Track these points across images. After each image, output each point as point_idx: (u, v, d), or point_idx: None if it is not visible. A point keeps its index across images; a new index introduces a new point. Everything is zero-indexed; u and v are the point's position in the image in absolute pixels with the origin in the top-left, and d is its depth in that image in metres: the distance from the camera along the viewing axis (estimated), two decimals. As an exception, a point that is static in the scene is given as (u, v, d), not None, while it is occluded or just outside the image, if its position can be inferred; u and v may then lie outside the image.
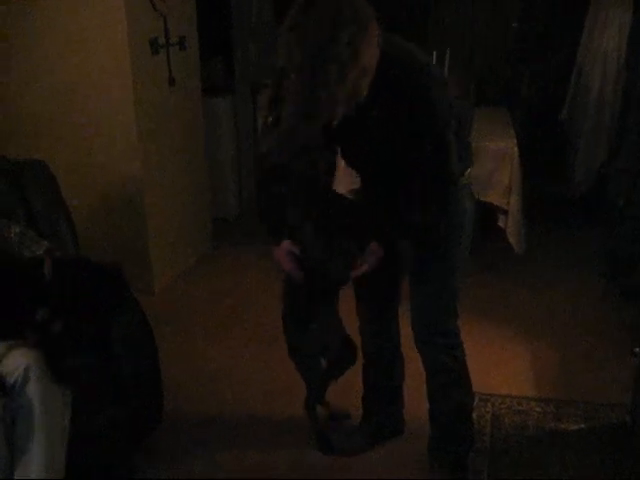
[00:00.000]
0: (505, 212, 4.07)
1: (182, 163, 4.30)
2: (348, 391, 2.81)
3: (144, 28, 3.81)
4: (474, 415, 2.83)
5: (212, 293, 4.11)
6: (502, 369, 3.26)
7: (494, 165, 4.02)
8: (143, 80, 3.80)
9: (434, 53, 4.17)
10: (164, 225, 4.11)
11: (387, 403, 2.74)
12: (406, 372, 2.73)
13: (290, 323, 2.53)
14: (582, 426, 2.82)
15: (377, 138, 2.11)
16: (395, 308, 2.59)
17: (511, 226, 4.07)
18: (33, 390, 2.07)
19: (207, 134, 4.72)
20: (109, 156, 3.82)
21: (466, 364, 2.47)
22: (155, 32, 3.91)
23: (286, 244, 2.26)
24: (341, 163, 4.19)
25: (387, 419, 2.76)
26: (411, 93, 2.00)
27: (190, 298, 4.06)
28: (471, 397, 2.57)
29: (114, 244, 3.85)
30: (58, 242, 2.75)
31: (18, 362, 2.09)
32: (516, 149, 4.03)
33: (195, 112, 4.47)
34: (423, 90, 2.00)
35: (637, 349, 2.62)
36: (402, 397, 2.75)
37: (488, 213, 4.16)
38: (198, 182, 4.54)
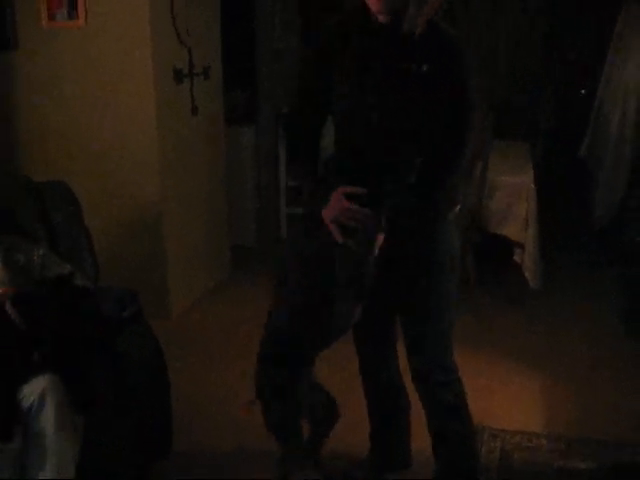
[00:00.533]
0: (522, 246, 4.09)
1: (202, 190, 4.37)
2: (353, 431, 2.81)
3: (168, 58, 3.90)
4: (483, 450, 2.84)
5: (229, 320, 4.14)
6: (514, 404, 3.25)
7: (511, 199, 4.05)
8: (166, 109, 3.88)
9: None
10: (182, 251, 4.16)
11: (395, 436, 2.73)
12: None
13: (271, 382, 2.40)
14: (592, 465, 2.80)
15: (415, 95, 2.10)
16: (393, 342, 2.58)
17: (527, 261, 4.08)
18: (48, 415, 2.06)
19: (229, 162, 4.80)
20: (130, 182, 3.90)
21: (465, 398, 2.43)
22: (179, 62, 4.00)
23: (342, 188, 2.14)
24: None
25: (395, 452, 2.75)
26: (458, 63, 2.09)
27: (206, 324, 4.09)
28: (473, 431, 2.52)
29: (132, 269, 3.91)
30: (79, 264, 2.79)
31: (34, 386, 2.09)
32: (533, 184, 4.05)
33: (217, 140, 4.54)
34: (466, 64, 2.10)
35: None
36: (409, 429, 2.74)
37: (504, 247, 4.18)
38: (217, 209, 4.60)
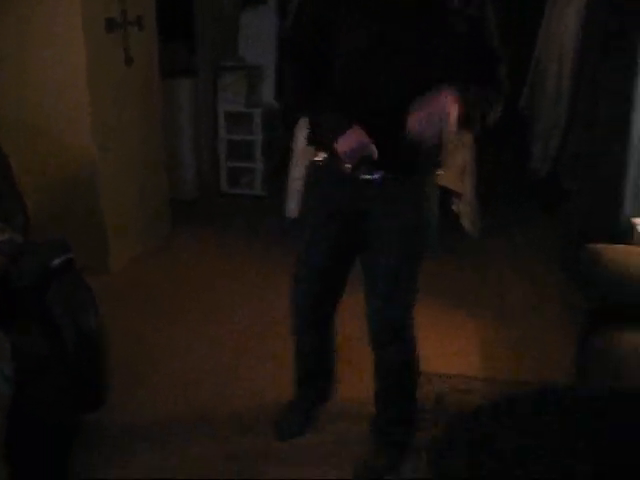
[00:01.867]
0: (459, 196, 4.13)
1: (139, 144, 4.28)
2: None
3: (99, 6, 3.78)
4: (417, 394, 2.89)
5: (169, 274, 4.12)
6: (449, 349, 3.31)
7: (448, 149, 4.06)
8: (98, 59, 3.78)
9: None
10: (120, 206, 4.10)
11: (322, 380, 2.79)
12: (348, 354, 2.80)
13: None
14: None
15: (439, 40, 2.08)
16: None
17: (465, 210, 4.13)
18: None
19: (167, 116, 4.72)
20: (62, 135, 3.80)
21: (417, 352, 2.51)
22: (111, 10, 3.88)
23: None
24: (298, 146, 4.23)
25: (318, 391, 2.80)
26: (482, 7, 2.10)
27: (146, 278, 4.06)
28: (417, 380, 2.61)
29: (68, 224, 3.82)
30: (6, 218, 2.73)
31: None
32: (470, 135, 4.07)
33: (153, 93, 4.45)
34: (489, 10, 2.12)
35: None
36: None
37: (443, 196, 4.21)
38: (155, 163, 4.52)
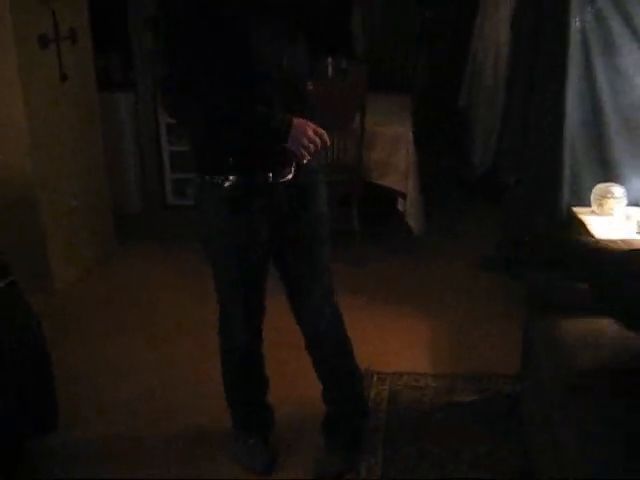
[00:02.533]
0: (404, 195, 4.17)
1: (78, 159, 4.22)
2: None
3: (31, 22, 3.72)
4: (371, 394, 2.92)
5: (114, 290, 4.06)
6: (399, 348, 3.34)
7: (390, 150, 4.11)
8: (32, 76, 3.72)
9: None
10: (62, 222, 4.03)
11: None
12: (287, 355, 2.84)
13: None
14: (475, 398, 2.92)
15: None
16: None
17: (410, 209, 4.17)
18: None
19: (107, 129, 4.66)
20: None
21: (348, 337, 2.55)
22: (44, 26, 3.83)
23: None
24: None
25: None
26: None
27: (91, 296, 4.00)
28: (359, 370, 2.64)
29: (9, 244, 3.70)
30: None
31: None
32: (411, 134, 4.12)
33: (90, 107, 4.39)
34: None
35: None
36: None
37: (387, 197, 4.25)
38: (96, 177, 4.46)
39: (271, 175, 2.20)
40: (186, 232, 4.91)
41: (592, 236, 2.91)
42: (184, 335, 3.53)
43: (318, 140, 2.09)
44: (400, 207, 4.21)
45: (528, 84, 3.49)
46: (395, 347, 3.34)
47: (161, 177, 5.42)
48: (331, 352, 2.52)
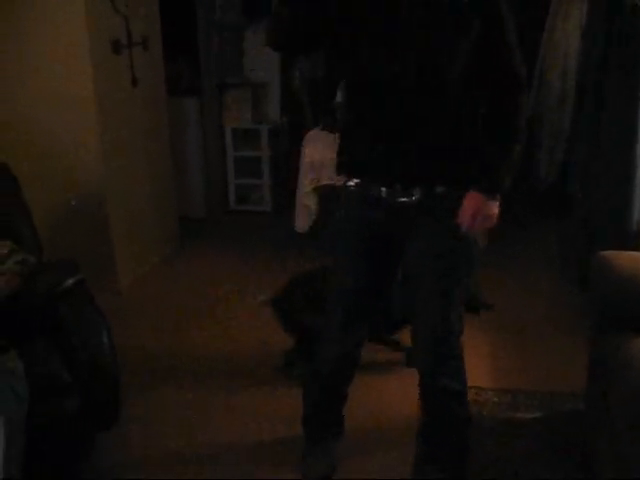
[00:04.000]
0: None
1: (146, 163, 4.32)
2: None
3: (105, 29, 3.82)
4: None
5: (178, 292, 4.13)
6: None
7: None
8: (105, 81, 3.82)
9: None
10: (129, 225, 4.13)
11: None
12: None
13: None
14: (537, 415, 2.87)
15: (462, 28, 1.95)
16: None
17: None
18: None
19: (173, 134, 4.75)
20: (71, 157, 3.84)
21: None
22: (117, 33, 3.93)
23: None
24: (305, 161, 4.25)
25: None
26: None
27: (155, 297, 4.08)
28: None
29: (78, 245, 3.84)
30: (19, 241, 2.75)
31: None
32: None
33: (159, 112, 4.49)
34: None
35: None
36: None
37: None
38: (163, 182, 4.56)
39: (385, 192, 2.10)
40: (248, 236, 5.00)
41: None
42: (241, 332, 3.59)
43: None
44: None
45: (598, 96, 3.43)
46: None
47: (225, 182, 5.49)
48: (443, 405, 2.35)
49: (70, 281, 2.43)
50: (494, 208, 2.10)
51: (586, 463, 2.49)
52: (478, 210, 2.05)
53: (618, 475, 2.05)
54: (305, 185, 4.26)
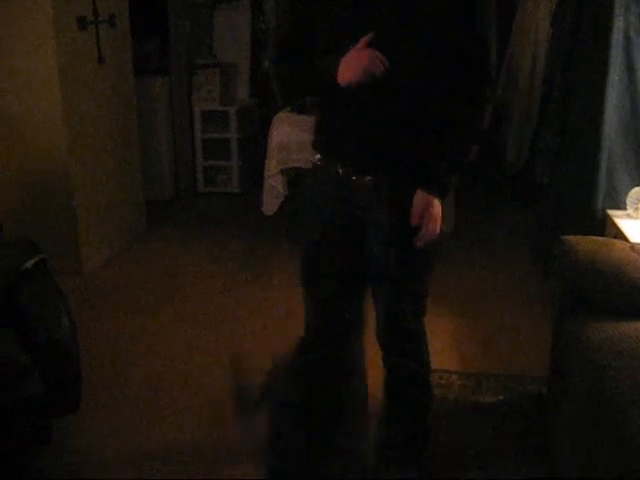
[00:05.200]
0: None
1: (113, 143, 4.25)
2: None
3: (71, 4, 3.75)
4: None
5: (143, 275, 4.09)
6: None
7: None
8: (70, 57, 3.75)
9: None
10: (94, 206, 4.06)
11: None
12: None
13: None
14: (500, 398, 2.88)
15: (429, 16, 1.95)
16: None
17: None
18: None
19: (142, 115, 4.69)
20: (34, 134, 3.77)
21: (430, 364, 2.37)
22: (83, 9, 3.86)
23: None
24: (273, 143, 4.22)
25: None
26: None
27: (119, 279, 4.03)
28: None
29: (42, 226, 3.78)
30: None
31: None
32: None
33: (126, 91, 4.42)
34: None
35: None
36: None
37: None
38: (130, 162, 4.50)
39: (342, 171, 2.08)
40: (216, 217, 4.97)
41: (627, 240, 2.86)
42: (207, 316, 3.56)
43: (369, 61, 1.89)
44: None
45: (566, 83, 3.45)
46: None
47: (193, 164, 5.45)
48: (404, 390, 2.33)
49: (30, 262, 2.37)
50: (438, 209, 2.02)
51: (547, 446, 2.52)
52: (426, 209, 2.00)
53: (576, 456, 2.07)
54: (273, 167, 4.23)
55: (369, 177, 2.05)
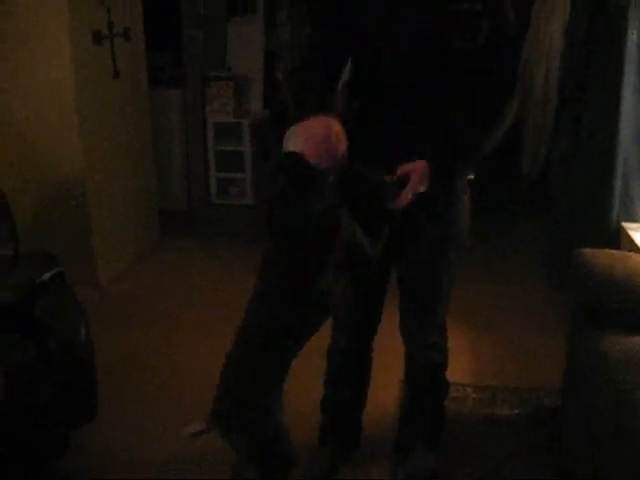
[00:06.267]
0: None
1: (127, 155, 4.28)
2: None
3: (86, 19, 3.78)
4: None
5: (157, 285, 4.11)
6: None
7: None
8: (85, 72, 3.77)
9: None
10: (108, 218, 4.08)
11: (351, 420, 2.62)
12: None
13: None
14: (516, 411, 2.88)
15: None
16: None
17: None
18: None
19: (155, 126, 4.72)
20: (51, 148, 3.79)
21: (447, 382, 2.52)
22: (98, 23, 3.89)
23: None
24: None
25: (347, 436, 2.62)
26: None
27: (136, 290, 4.04)
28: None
29: (57, 238, 3.79)
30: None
31: None
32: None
33: (141, 104, 4.45)
34: None
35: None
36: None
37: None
38: (144, 174, 4.52)
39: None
40: (229, 229, 4.99)
41: (642, 252, 2.85)
42: (224, 326, 3.56)
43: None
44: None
45: (581, 94, 3.44)
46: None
47: (206, 176, 5.47)
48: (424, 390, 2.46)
49: (47, 274, 2.39)
50: (426, 175, 1.92)
51: (564, 460, 2.50)
52: (416, 168, 1.91)
53: (590, 470, 2.06)
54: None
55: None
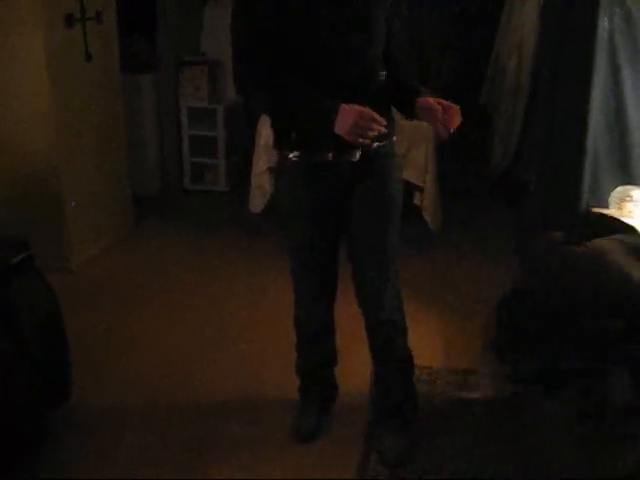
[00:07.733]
0: (421, 190, 4.16)
1: (100, 139, 4.25)
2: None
3: (58, 2, 3.75)
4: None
5: (131, 270, 4.10)
6: (412, 341, 3.32)
7: (410, 143, 4.09)
8: (57, 55, 3.75)
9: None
10: (81, 202, 4.06)
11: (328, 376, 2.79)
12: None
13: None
14: (486, 394, 2.92)
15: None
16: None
17: (427, 204, 4.16)
18: None
19: (128, 111, 4.69)
20: (22, 132, 3.77)
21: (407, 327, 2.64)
22: (70, 6, 3.85)
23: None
24: (261, 141, 4.23)
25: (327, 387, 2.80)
26: None
27: (108, 275, 4.04)
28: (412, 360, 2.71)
29: (29, 223, 3.76)
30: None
31: None
32: (431, 129, 4.09)
33: (113, 88, 4.42)
34: None
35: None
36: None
37: (405, 191, 4.23)
38: (117, 159, 4.49)
39: (331, 155, 2.22)
40: (203, 215, 4.99)
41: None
42: (196, 311, 3.61)
43: (370, 125, 2.01)
44: (417, 201, 4.19)
45: (552, 83, 3.47)
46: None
47: (180, 161, 5.45)
48: (388, 339, 2.56)
49: (18, 257, 2.38)
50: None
51: (531, 442, 2.54)
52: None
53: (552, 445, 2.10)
54: (260, 166, 4.24)
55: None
